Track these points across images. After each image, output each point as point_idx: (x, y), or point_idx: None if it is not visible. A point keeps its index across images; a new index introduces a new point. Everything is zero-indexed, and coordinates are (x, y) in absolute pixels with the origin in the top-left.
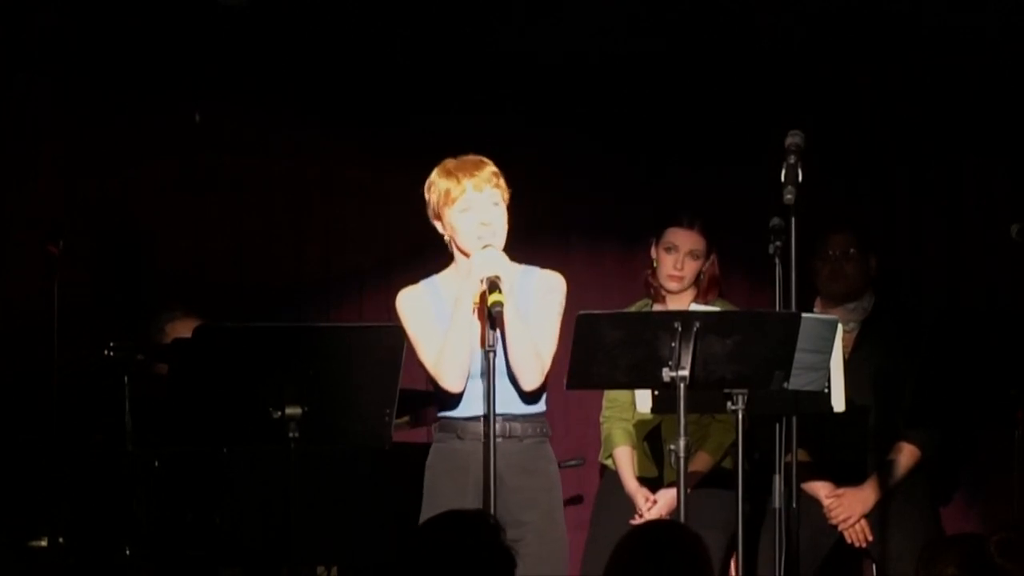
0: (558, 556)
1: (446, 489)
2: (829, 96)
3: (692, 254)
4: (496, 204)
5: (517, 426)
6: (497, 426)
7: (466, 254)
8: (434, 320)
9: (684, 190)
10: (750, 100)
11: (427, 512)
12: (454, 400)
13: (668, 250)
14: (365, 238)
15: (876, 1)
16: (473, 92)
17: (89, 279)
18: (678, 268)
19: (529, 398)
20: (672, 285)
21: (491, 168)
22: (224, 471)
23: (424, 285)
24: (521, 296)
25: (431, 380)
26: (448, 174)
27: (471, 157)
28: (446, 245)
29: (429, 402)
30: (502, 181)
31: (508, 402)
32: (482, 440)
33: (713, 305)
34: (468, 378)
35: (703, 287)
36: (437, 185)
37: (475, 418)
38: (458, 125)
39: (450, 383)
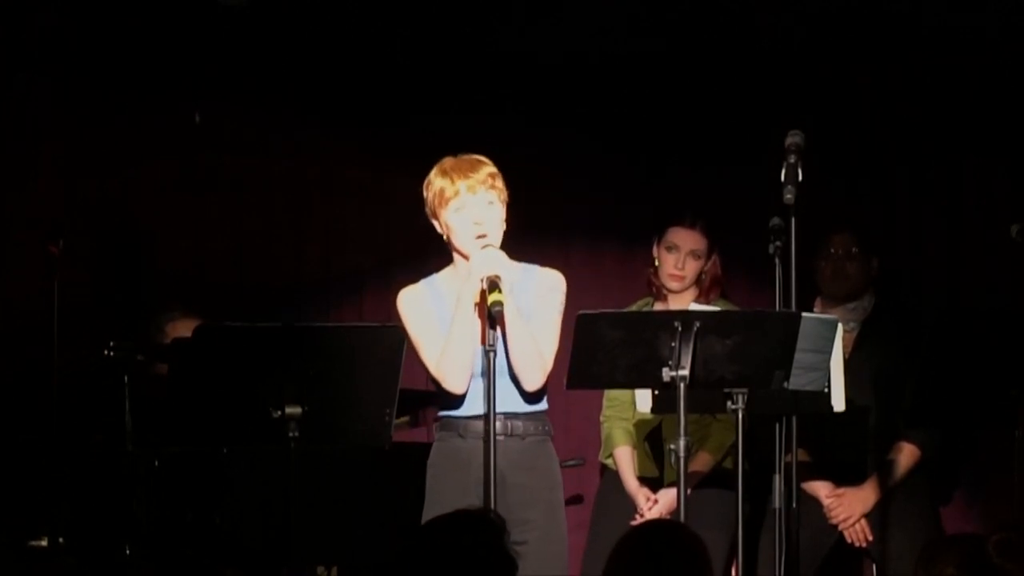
0: (560, 555)
1: (448, 487)
2: (829, 96)
3: (693, 254)
4: (491, 204)
5: (519, 424)
6: (499, 424)
7: (462, 254)
8: (435, 320)
9: (684, 190)
10: (750, 100)
11: (429, 510)
12: (457, 399)
13: (669, 249)
14: (365, 238)
15: (876, 1)
16: (473, 92)
17: (89, 279)
18: (679, 267)
19: (530, 397)
20: (673, 284)
21: (488, 169)
22: (224, 471)
23: (424, 284)
24: (522, 295)
25: (432, 379)
26: (444, 174)
27: (469, 157)
28: (445, 244)
29: (429, 402)
30: (499, 182)
31: (510, 401)
32: (483, 438)
33: (714, 305)
34: (471, 377)
35: (705, 287)
36: (433, 184)
37: (477, 416)
38: (458, 125)
39: (452, 384)
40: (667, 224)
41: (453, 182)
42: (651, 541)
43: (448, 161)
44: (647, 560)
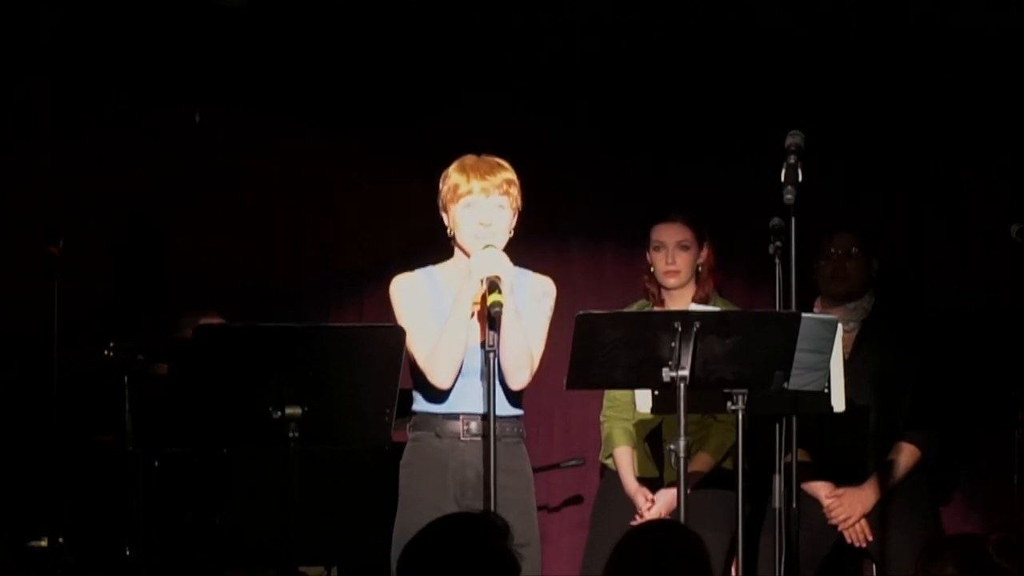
0: (534, 556)
1: (425, 488)
2: (829, 96)
3: (680, 245)
4: (501, 208)
5: (496, 425)
6: (474, 424)
7: (464, 251)
8: (429, 310)
9: (684, 190)
10: (750, 100)
11: (405, 511)
12: (438, 396)
13: (657, 248)
14: (365, 238)
15: (876, 1)
16: (472, 92)
17: (89, 279)
18: (670, 262)
19: (513, 399)
20: (670, 281)
21: (506, 175)
22: (224, 471)
23: (421, 273)
24: (515, 297)
25: (413, 373)
26: (462, 171)
27: (490, 159)
28: (449, 239)
29: None
30: (514, 189)
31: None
32: (460, 438)
33: (713, 305)
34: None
35: (703, 279)
36: (450, 178)
37: (454, 415)
38: (458, 125)
39: (440, 380)
40: (651, 226)
41: (468, 180)
42: (651, 541)
43: (469, 159)
44: (647, 560)
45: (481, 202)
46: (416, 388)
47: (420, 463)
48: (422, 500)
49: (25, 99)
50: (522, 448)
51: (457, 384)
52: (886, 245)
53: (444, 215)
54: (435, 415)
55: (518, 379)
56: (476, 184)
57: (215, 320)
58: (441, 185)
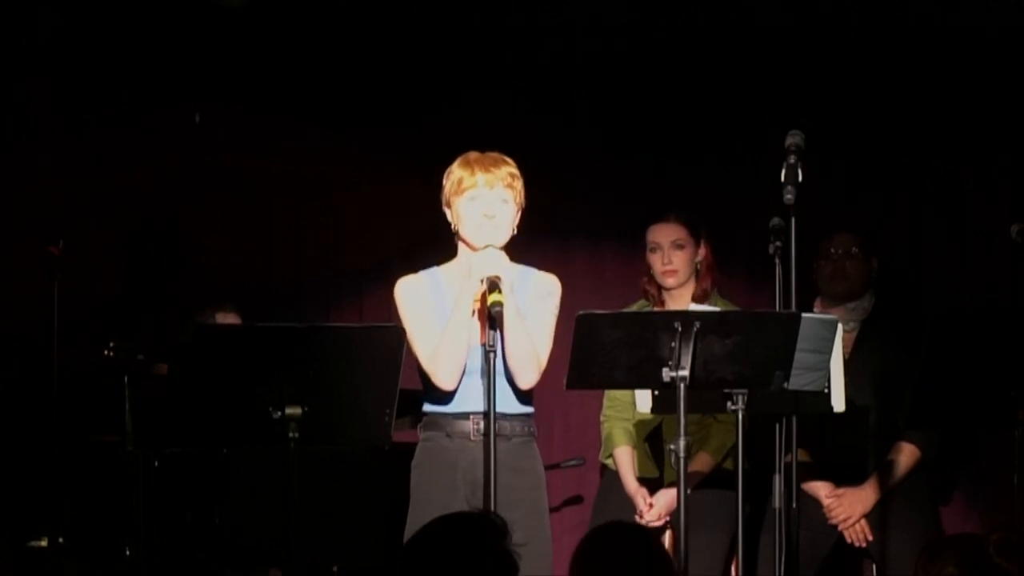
0: (545, 555)
1: (435, 488)
2: (829, 96)
3: (675, 244)
4: (505, 202)
5: (506, 424)
6: (484, 424)
7: (468, 244)
8: (432, 312)
9: (684, 190)
10: (750, 100)
11: (416, 511)
12: (445, 396)
13: (653, 250)
14: (365, 238)
15: (876, 1)
16: (472, 92)
17: (89, 279)
18: (667, 262)
19: (522, 397)
20: (669, 281)
21: (510, 169)
22: (224, 471)
23: (424, 275)
24: (519, 296)
25: (420, 374)
26: (466, 165)
27: (494, 154)
28: (452, 236)
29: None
30: (518, 184)
31: (500, 401)
32: (470, 438)
33: (712, 304)
34: (463, 375)
35: (701, 275)
36: (454, 173)
37: (463, 415)
38: (458, 125)
39: (444, 380)
40: (646, 227)
41: (473, 173)
42: (610, 539)
43: (473, 154)
44: (608, 558)
45: (485, 195)
46: (424, 389)
47: (430, 463)
48: (432, 501)
49: (25, 99)
50: (533, 447)
51: (463, 384)
52: (886, 245)
53: (447, 210)
54: (445, 415)
55: (525, 379)
56: (481, 177)
57: (232, 317)
58: (444, 181)
